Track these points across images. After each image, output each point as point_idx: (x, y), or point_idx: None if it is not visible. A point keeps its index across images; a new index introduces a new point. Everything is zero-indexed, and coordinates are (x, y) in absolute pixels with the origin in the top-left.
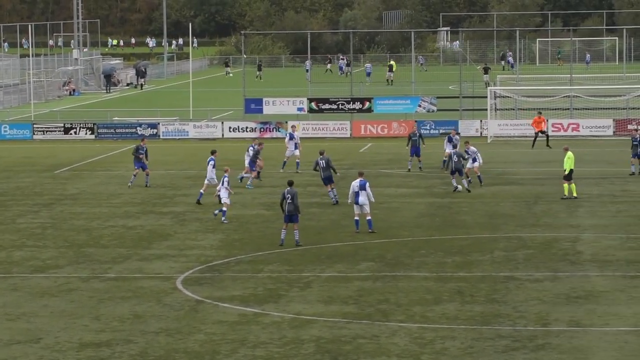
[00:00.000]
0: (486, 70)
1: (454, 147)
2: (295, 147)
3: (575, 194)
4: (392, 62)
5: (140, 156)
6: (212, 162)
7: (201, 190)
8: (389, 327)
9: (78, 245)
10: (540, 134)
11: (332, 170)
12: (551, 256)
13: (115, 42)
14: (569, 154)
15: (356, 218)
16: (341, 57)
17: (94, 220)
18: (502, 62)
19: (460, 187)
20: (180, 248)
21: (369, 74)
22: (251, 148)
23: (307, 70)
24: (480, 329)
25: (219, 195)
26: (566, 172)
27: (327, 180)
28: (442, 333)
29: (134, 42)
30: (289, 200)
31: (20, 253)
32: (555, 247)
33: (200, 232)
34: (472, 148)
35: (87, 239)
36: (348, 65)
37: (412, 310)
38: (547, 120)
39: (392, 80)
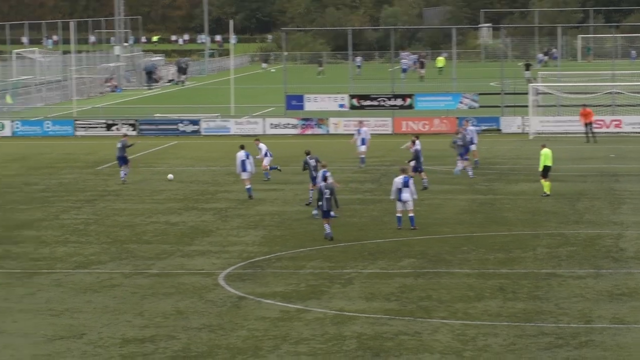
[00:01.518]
0: (528, 67)
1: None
2: (363, 143)
3: (548, 192)
4: (440, 58)
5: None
6: (246, 155)
7: (247, 186)
8: (431, 323)
9: (121, 241)
10: (588, 127)
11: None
12: (594, 253)
13: (177, 38)
14: (545, 150)
15: (398, 215)
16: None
17: (136, 217)
18: (546, 57)
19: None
20: (223, 244)
21: (404, 70)
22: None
23: (358, 67)
24: (522, 326)
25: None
26: (540, 169)
27: (314, 180)
28: (484, 330)
29: (187, 38)
30: (326, 196)
31: (64, 249)
32: (598, 244)
33: (242, 228)
34: (471, 128)
35: (130, 235)
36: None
37: (454, 307)
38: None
39: (423, 77)
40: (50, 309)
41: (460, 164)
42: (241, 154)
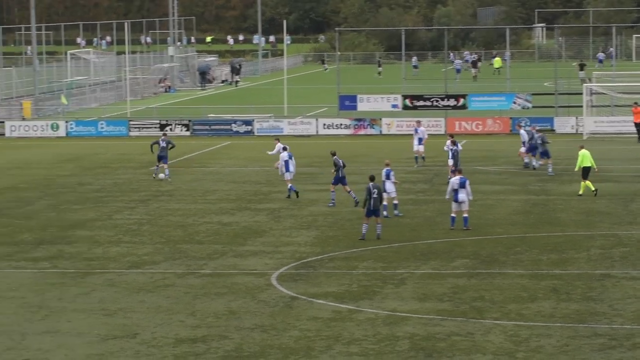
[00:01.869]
0: (582, 67)
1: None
2: (420, 142)
3: (593, 188)
4: (497, 58)
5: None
6: (289, 155)
7: (290, 185)
8: (484, 324)
9: (174, 241)
10: (639, 126)
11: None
12: None
13: (231, 38)
14: (583, 151)
15: (453, 215)
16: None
17: (189, 217)
18: (603, 56)
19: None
20: (275, 244)
21: (458, 71)
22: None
23: (414, 67)
24: (576, 327)
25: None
26: (576, 169)
27: (341, 180)
28: (537, 331)
29: (242, 39)
30: (374, 195)
31: (117, 249)
32: None
33: (295, 228)
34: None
35: (182, 235)
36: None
37: (507, 307)
38: None
39: (476, 77)
40: (104, 309)
41: (540, 162)
42: (284, 155)
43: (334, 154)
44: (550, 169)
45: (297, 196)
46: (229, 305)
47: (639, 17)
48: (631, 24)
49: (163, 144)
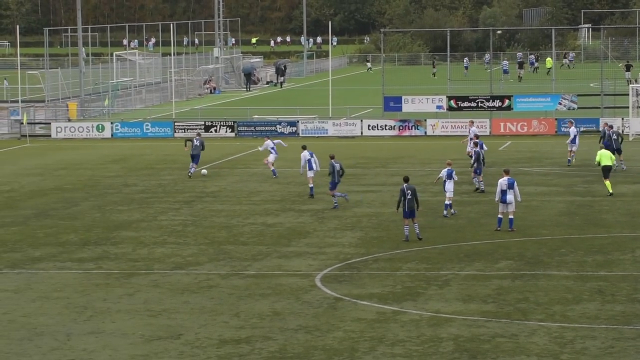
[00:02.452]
0: (628, 68)
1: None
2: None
3: (610, 191)
4: (549, 58)
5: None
6: (310, 154)
7: (311, 185)
8: (528, 326)
9: (218, 242)
10: None
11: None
12: None
13: (277, 40)
14: (603, 151)
15: (500, 216)
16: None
17: (234, 218)
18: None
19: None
20: (319, 246)
21: (505, 72)
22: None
23: (466, 68)
24: (621, 329)
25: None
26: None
27: (335, 186)
28: (582, 332)
29: (289, 40)
30: (409, 196)
31: (162, 250)
32: None
33: (339, 229)
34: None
35: (227, 236)
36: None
37: (551, 309)
38: None
39: (521, 77)
40: (148, 310)
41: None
42: (305, 154)
43: (332, 157)
44: (623, 166)
45: (312, 196)
46: (273, 306)
47: None
48: None
49: (197, 143)
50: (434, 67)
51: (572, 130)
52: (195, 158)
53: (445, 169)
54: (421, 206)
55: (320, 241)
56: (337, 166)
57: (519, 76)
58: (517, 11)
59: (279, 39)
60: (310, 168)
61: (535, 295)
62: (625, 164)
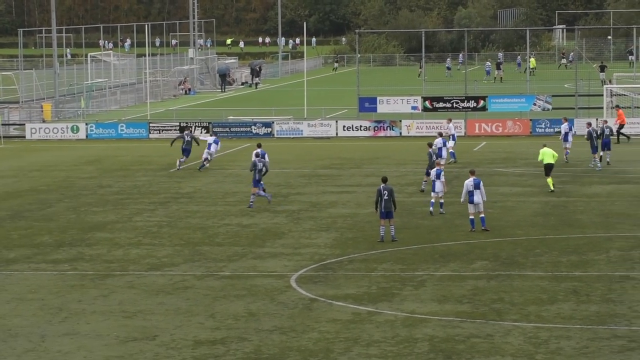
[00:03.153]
0: (602, 69)
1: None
2: (453, 139)
3: (552, 188)
4: (532, 59)
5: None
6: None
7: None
8: (503, 326)
9: (193, 243)
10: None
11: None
12: None
13: (229, 40)
14: (545, 149)
15: (471, 217)
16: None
17: (209, 219)
18: (631, 58)
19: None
20: (295, 246)
21: (488, 72)
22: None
23: (448, 68)
24: (595, 329)
25: None
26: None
27: (257, 183)
28: (557, 333)
29: (268, 41)
30: (385, 197)
31: (137, 251)
32: None
33: (314, 230)
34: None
35: (202, 237)
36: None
37: (526, 309)
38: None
39: (501, 78)
40: (123, 311)
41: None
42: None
43: (257, 155)
44: (599, 165)
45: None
46: (248, 307)
47: None
48: None
49: (188, 138)
50: (420, 68)
51: (564, 127)
52: (186, 152)
53: (434, 169)
54: (397, 207)
55: (295, 242)
56: (260, 165)
57: (500, 77)
58: (491, 12)
59: (261, 39)
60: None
61: (510, 295)
62: (604, 163)
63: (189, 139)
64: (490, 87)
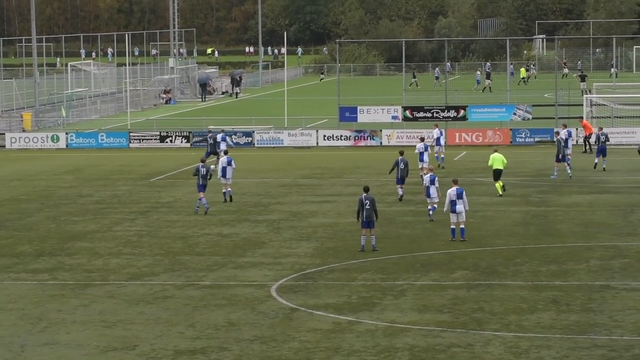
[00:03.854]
0: (583, 78)
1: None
2: (438, 143)
3: (500, 192)
4: (522, 68)
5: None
6: (228, 160)
7: (227, 190)
8: (484, 336)
9: (174, 253)
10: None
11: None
12: None
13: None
14: (495, 155)
15: (452, 227)
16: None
17: (189, 228)
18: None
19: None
20: (275, 256)
21: (478, 82)
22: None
23: (436, 78)
24: (575, 338)
25: None
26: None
27: (203, 188)
28: (537, 342)
29: (252, 50)
30: (367, 207)
31: (117, 260)
32: None
33: (295, 240)
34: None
35: (182, 247)
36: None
37: (507, 319)
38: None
39: (490, 87)
40: (103, 321)
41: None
42: (223, 160)
43: (202, 161)
44: (604, 165)
45: (231, 200)
46: (229, 316)
47: (639, 29)
48: (631, 36)
49: (203, 172)
50: (414, 77)
51: (563, 133)
52: (203, 188)
53: (428, 175)
54: (379, 216)
55: (275, 251)
56: (203, 170)
57: (489, 86)
58: (472, 22)
59: (248, 49)
60: (224, 175)
61: (491, 305)
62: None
63: (205, 172)
64: (471, 97)
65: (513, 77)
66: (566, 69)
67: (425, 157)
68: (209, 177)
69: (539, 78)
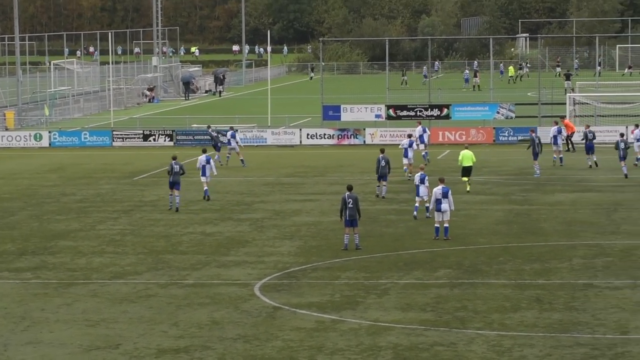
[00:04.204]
0: (568, 77)
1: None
2: (422, 141)
3: (468, 189)
4: (511, 67)
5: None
6: (207, 159)
7: (205, 188)
8: (467, 334)
9: (157, 251)
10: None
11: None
12: (631, 264)
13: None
14: (465, 152)
15: (436, 225)
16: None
17: (172, 227)
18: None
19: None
20: (258, 255)
21: (467, 81)
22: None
23: (425, 76)
24: (558, 337)
25: None
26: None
27: (175, 185)
28: (520, 341)
29: (237, 49)
30: (350, 205)
31: (100, 259)
32: (635, 254)
33: (278, 238)
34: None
35: (165, 246)
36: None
37: (490, 317)
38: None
39: (478, 85)
40: (87, 319)
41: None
42: (202, 158)
43: (174, 158)
44: (594, 161)
45: (208, 199)
46: (212, 315)
47: (622, 28)
48: (614, 34)
49: (176, 169)
50: (403, 75)
51: (553, 130)
52: (175, 185)
53: (418, 174)
54: (362, 215)
55: (259, 250)
56: (177, 167)
57: (477, 85)
58: (455, 20)
59: (238, 47)
60: (204, 174)
61: (474, 303)
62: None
63: (178, 169)
64: (454, 96)
65: (503, 75)
66: (559, 68)
67: (410, 153)
68: (181, 172)
69: (523, 77)
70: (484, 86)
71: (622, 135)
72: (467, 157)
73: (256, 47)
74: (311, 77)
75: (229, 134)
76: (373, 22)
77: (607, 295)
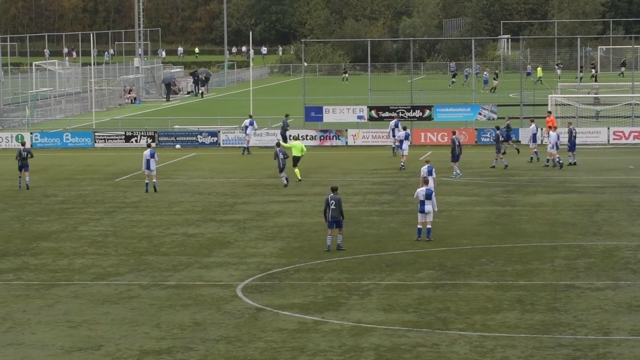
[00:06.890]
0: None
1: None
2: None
3: (299, 177)
4: (539, 68)
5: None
6: (151, 153)
7: (153, 181)
8: (449, 335)
9: (139, 253)
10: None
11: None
12: (612, 265)
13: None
14: (295, 143)
15: (419, 226)
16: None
17: (154, 228)
18: (593, 70)
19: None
20: (241, 256)
21: (487, 82)
22: None
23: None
24: (540, 338)
25: None
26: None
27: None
28: (502, 342)
29: (235, 50)
30: (332, 206)
31: (82, 260)
32: (616, 255)
33: (261, 240)
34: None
35: (148, 247)
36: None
37: (472, 318)
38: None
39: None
40: (68, 321)
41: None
42: (146, 153)
43: (23, 144)
44: (575, 159)
45: (155, 190)
46: (194, 316)
47: (604, 29)
48: (596, 36)
49: (24, 154)
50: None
51: (531, 128)
52: (24, 167)
53: (426, 167)
54: (345, 216)
55: (241, 251)
56: (25, 153)
57: (493, 87)
58: (437, 22)
59: (234, 50)
60: (147, 167)
61: (456, 304)
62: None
63: (25, 154)
64: (436, 97)
65: (487, 84)
66: (594, 70)
67: (405, 145)
68: (29, 156)
69: (505, 78)
70: (467, 87)
71: (569, 123)
72: (297, 147)
73: (242, 48)
74: (304, 68)
75: (246, 121)
76: (355, 23)
77: (588, 296)
